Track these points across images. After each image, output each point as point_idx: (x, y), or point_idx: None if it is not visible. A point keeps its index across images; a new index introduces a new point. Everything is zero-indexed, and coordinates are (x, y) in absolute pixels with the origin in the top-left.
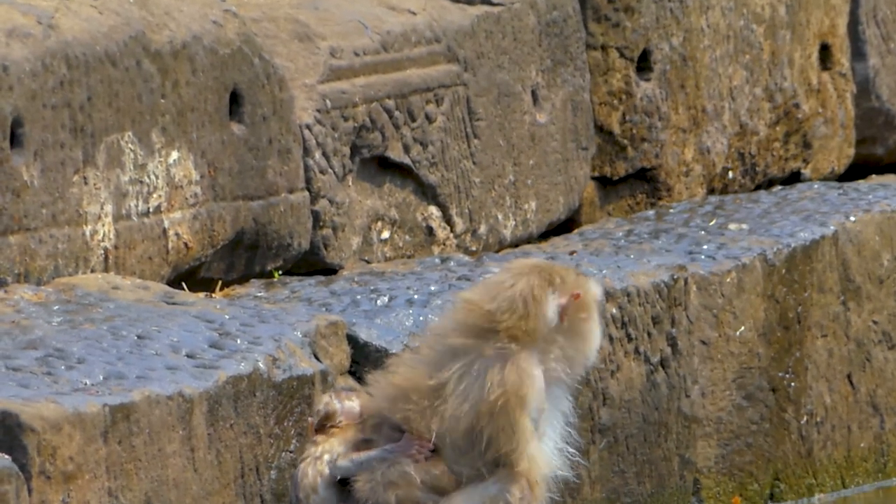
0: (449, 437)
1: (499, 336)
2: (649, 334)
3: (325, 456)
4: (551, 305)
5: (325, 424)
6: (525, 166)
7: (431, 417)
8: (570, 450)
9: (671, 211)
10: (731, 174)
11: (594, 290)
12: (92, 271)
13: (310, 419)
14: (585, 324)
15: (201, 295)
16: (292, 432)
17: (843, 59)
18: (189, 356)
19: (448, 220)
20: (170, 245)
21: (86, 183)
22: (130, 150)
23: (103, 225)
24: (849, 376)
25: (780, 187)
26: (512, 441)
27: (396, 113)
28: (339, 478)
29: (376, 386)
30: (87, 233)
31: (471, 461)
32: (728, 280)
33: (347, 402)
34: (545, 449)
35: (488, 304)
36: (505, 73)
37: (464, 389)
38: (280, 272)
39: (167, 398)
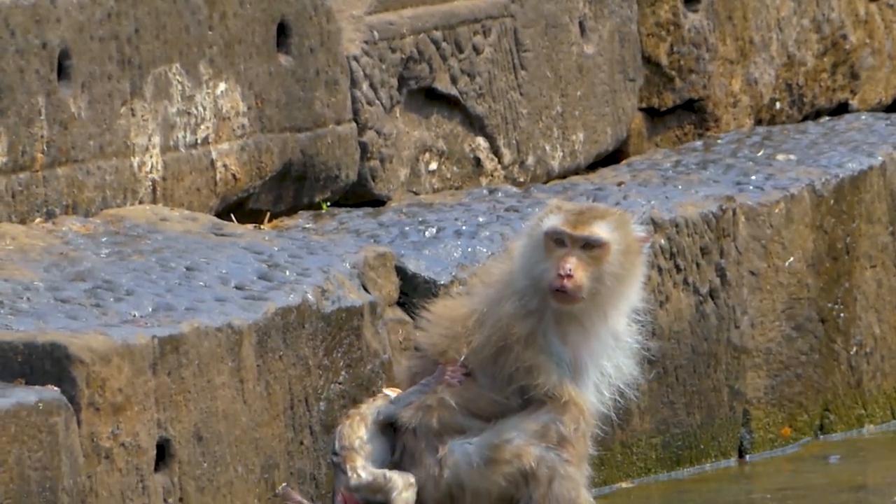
0: (479, 363)
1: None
2: (698, 265)
3: (367, 411)
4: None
5: None
6: (573, 97)
7: (463, 343)
8: (608, 393)
9: (719, 142)
10: (778, 105)
11: (547, 224)
12: (140, 203)
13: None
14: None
15: (250, 226)
16: (341, 363)
17: None
18: (238, 288)
19: (496, 151)
20: (218, 176)
21: (133, 114)
22: (178, 81)
23: (151, 156)
24: None
25: (827, 118)
26: (531, 376)
27: (444, 44)
28: (386, 423)
29: (425, 318)
30: (135, 164)
31: (500, 388)
32: (776, 211)
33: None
34: (585, 386)
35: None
36: (552, 4)
37: (486, 319)
38: (328, 204)
39: (216, 330)
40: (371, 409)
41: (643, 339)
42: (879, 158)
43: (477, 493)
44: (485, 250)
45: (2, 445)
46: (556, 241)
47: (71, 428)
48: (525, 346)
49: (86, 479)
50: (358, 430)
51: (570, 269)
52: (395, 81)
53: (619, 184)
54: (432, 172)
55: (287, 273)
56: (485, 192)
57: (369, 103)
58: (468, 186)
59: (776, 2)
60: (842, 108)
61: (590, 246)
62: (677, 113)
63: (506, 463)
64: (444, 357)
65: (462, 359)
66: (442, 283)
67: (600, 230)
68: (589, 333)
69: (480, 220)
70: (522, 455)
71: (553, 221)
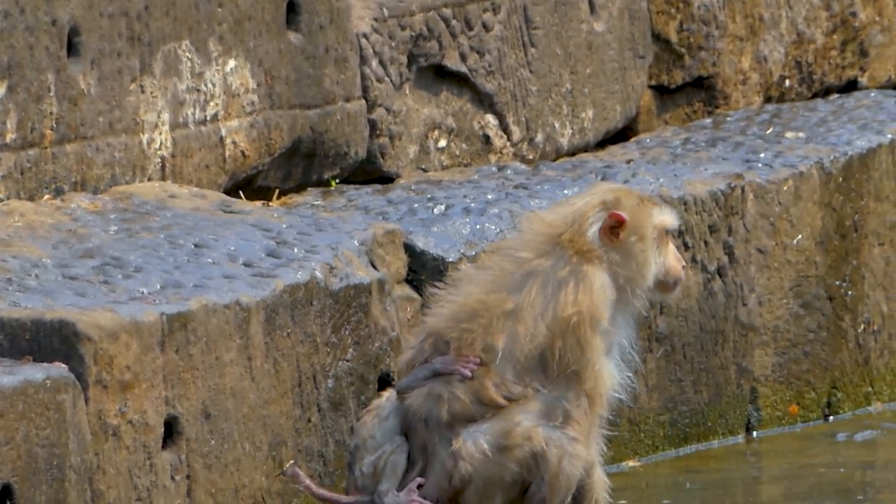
0: (519, 355)
1: (568, 254)
2: (706, 243)
3: (382, 405)
4: (593, 224)
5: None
6: (582, 75)
7: (497, 335)
8: (629, 374)
9: (728, 119)
10: (787, 82)
11: (659, 218)
12: (149, 180)
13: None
14: (636, 247)
15: (258, 203)
16: (349, 341)
17: None
18: (246, 265)
19: (505, 128)
20: (227, 153)
21: (143, 91)
22: (187, 58)
23: (160, 133)
24: None
25: (836, 95)
26: (581, 359)
27: (453, 21)
28: (399, 394)
29: (441, 304)
30: (144, 141)
31: (538, 379)
32: (785, 188)
33: None
34: (610, 367)
35: (549, 219)
36: None
37: (540, 309)
38: (337, 181)
39: (224, 307)
40: (384, 402)
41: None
42: (888, 136)
43: (490, 482)
44: (493, 228)
45: (9, 423)
46: (668, 234)
47: (78, 405)
48: (595, 334)
49: (93, 457)
50: (371, 428)
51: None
52: (404, 59)
53: (628, 161)
54: (441, 150)
55: (295, 250)
56: (494, 169)
57: (379, 80)
58: (477, 164)
59: None
60: (851, 86)
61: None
62: (686, 90)
63: (517, 447)
64: (471, 348)
65: (499, 354)
66: (450, 260)
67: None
68: (618, 319)
69: (489, 197)
70: (532, 437)
71: (667, 218)
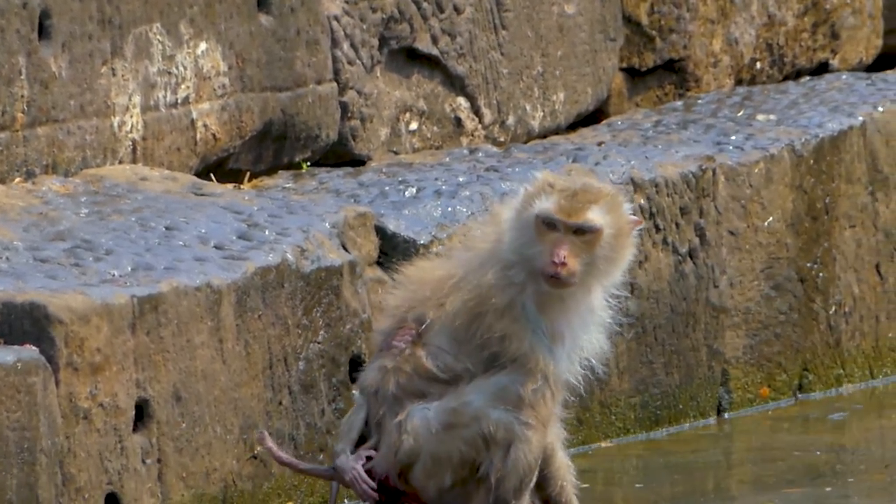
0: (450, 328)
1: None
2: (677, 225)
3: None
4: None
5: None
6: (553, 57)
7: (431, 307)
8: (580, 365)
9: (699, 102)
10: (758, 65)
11: (539, 206)
12: (120, 162)
13: None
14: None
15: (229, 186)
16: (320, 323)
17: None
18: (217, 247)
19: (476, 111)
20: (198, 136)
21: (114, 74)
22: (158, 41)
23: (131, 116)
24: (877, 266)
25: (808, 78)
26: (504, 344)
27: (424, 4)
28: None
29: (397, 279)
30: (116, 124)
31: (471, 355)
32: (756, 171)
33: None
34: (559, 355)
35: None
36: None
37: (464, 284)
38: (308, 163)
39: (195, 289)
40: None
41: (617, 314)
42: (859, 118)
43: (437, 459)
44: (465, 210)
45: None
46: (548, 224)
47: (49, 388)
48: (501, 315)
49: (64, 440)
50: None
51: (563, 258)
52: (375, 41)
53: (599, 144)
54: (413, 132)
55: (266, 233)
56: (465, 151)
57: (350, 63)
58: (448, 146)
59: None
60: (822, 68)
61: (582, 232)
62: (658, 73)
63: (465, 427)
64: (406, 319)
65: (426, 323)
66: (421, 242)
67: (594, 216)
68: (568, 307)
69: (460, 179)
70: (481, 418)
71: (545, 205)
